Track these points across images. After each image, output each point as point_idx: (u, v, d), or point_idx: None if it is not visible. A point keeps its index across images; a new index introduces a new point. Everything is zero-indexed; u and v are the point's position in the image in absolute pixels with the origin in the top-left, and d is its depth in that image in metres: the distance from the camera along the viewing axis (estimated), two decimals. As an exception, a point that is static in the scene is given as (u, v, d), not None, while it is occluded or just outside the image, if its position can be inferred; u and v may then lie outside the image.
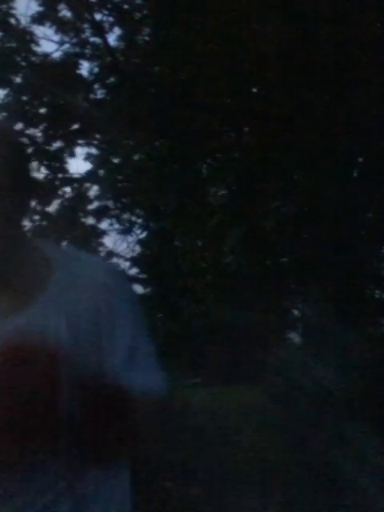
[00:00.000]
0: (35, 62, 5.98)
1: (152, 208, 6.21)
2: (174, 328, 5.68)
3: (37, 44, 5.94)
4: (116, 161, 6.22)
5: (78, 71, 6.19)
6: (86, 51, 6.23)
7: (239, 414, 4.70)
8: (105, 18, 6.15)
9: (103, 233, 6.29)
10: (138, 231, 6.56)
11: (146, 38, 6.17)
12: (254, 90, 5.61)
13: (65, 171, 6.39)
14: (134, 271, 6.26)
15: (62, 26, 6.00)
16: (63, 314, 0.92)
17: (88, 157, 6.33)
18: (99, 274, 0.98)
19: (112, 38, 6.30)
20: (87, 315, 0.94)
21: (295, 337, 6.89)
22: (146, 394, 0.90)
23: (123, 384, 0.88)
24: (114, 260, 6.17)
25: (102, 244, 6.33)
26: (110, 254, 6.34)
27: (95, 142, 6.44)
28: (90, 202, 6.41)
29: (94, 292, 0.95)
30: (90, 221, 6.34)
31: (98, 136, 6.35)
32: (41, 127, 6.16)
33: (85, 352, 0.88)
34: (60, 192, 6.37)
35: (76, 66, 6.18)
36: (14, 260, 0.95)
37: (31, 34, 5.89)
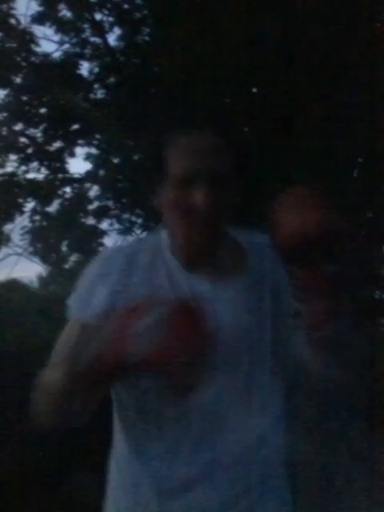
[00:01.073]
0: (35, 61, 5.98)
1: (152, 208, 6.19)
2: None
3: (37, 44, 5.95)
4: (116, 161, 6.21)
5: (78, 71, 6.20)
6: (86, 51, 6.23)
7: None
8: (105, 18, 6.17)
9: (103, 233, 6.29)
10: (138, 231, 6.55)
11: (146, 38, 6.17)
12: (254, 90, 5.61)
13: (65, 171, 6.39)
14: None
15: (62, 25, 6.00)
16: (260, 288, 1.08)
17: (88, 157, 6.33)
18: None
19: (112, 38, 6.31)
20: (278, 291, 1.08)
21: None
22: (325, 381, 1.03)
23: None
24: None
25: (102, 244, 6.33)
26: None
27: (95, 142, 6.43)
28: (90, 202, 6.40)
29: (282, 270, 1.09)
30: (90, 221, 6.33)
31: (97, 136, 6.34)
32: (41, 127, 6.16)
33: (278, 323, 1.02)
34: (60, 192, 6.37)
35: (76, 66, 6.18)
36: (221, 247, 1.12)
37: (31, 34, 5.90)
